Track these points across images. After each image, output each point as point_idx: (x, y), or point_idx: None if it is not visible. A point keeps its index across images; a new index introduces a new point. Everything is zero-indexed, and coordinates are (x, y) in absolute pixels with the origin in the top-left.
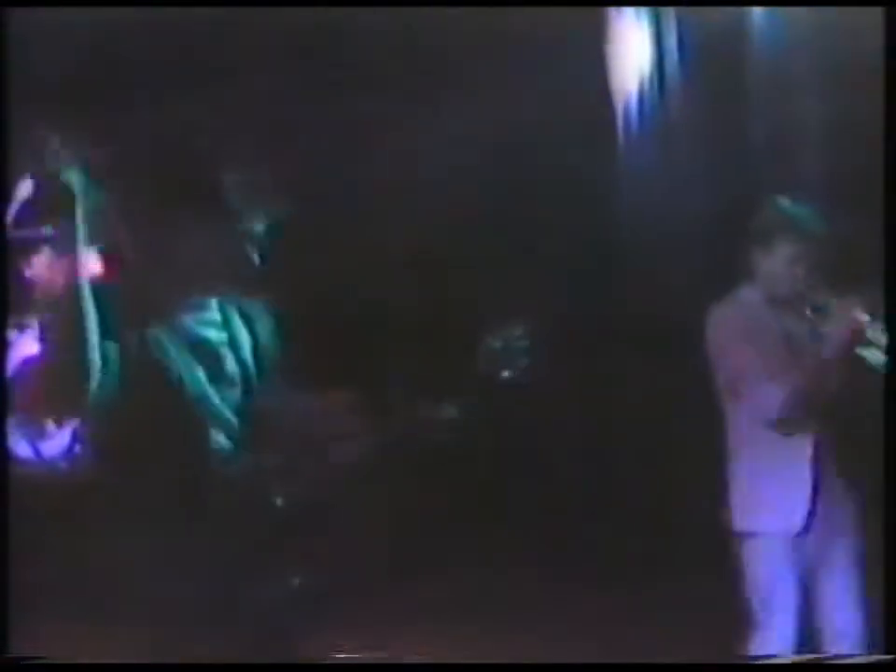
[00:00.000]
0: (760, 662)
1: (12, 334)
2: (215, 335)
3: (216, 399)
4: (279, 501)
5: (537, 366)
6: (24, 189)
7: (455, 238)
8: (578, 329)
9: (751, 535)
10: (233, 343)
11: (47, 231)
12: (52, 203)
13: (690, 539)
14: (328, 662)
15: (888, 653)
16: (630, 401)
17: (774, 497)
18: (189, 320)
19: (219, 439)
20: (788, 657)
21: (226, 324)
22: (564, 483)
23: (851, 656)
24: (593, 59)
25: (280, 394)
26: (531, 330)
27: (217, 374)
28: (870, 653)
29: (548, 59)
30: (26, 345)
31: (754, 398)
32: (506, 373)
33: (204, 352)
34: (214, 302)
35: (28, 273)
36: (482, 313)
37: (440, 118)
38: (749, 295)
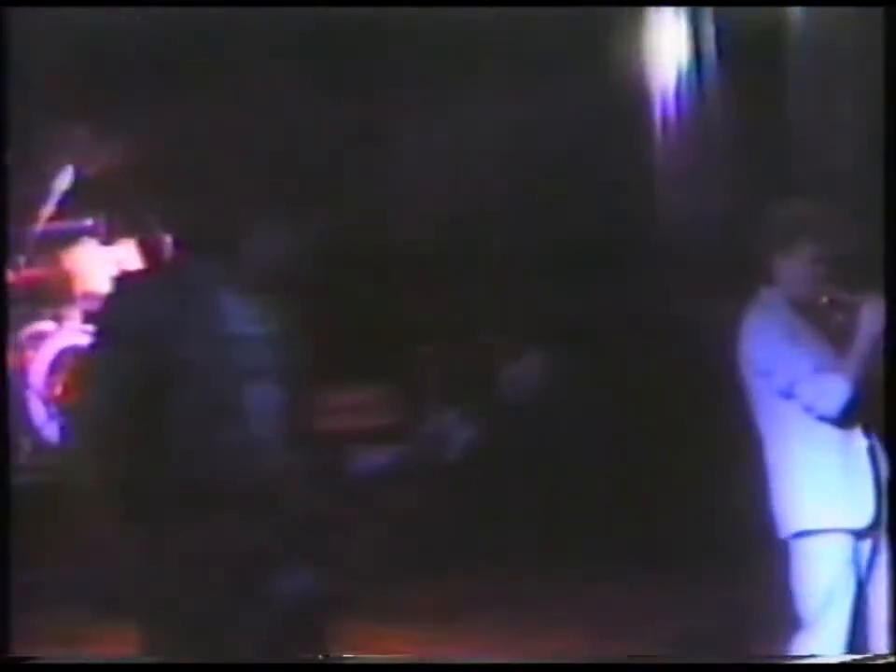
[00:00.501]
0: (760, 661)
1: (50, 325)
2: (258, 329)
3: (248, 393)
4: (304, 499)
5: (561, 373)
6: (63, 181)
7: (482, 242)
8: (606, 334)
9: (810, 533)
10: (264, 339)
11: (86, 223)
12: (91, 195)
13: (738, 540)
14: (329, 662)
15: (888, 653)
16: (665, 406)
17: (836, 494)
18: (235, 311)
19: (250, 433)
20: (790, 657)
21: (268, 320)
22: (600, 486)
23: (851, 656)
24: (629, 56)
25: (307, 391)
26: (556, 337)
27: (259, 367)
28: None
29: (586, 56)
30: (64, 336)
31: (810, 397)
32: (529, 391)
33: (249, 344)
34: (245, 297)
35: (67, 264)
36: (504, 319)
37: (477, 112)
38: (772, 298)
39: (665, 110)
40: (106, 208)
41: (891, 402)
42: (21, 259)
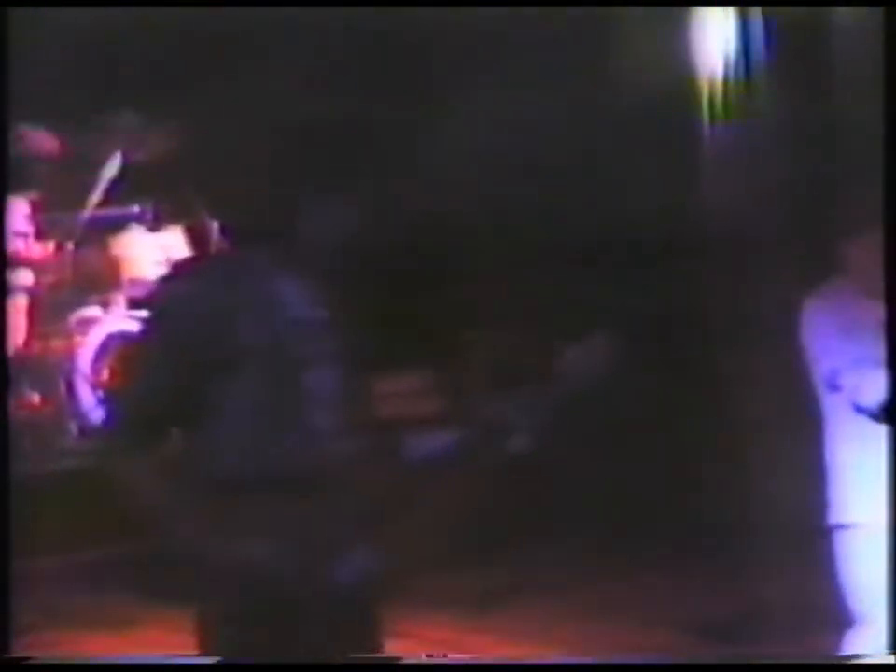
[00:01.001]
0: (760, 661)
1: (98, 311)
2: (314, 313)
3: (301, 379)
4: (363, 484)
5: (620, 364)
6: (111, 168)
7: (538, 228)
8: (664, 327)
9: (854, 526)
10: (322, 325)
11: (134, 209)
12: (139, 181)
13: (780, 534)
14: (330, 662)
15: (888, 653)
16: (718, 398)
17: (880, 487)
18: (289, 296)
19: (304, 418)
20: (793, 657)
21: (323, 304)
22: (649, 478)
23: (851, 656)
24: (673, 53)
25: (362, 377)
26: (614, 331)
27: (315, 352)
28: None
29: (629, 53)
30: (112, 322)
31: (851, 388)
32: (587, 377)
33: (304, 329)
34: (314, 281)
35: (115, 251)
36: (562, 310)
37: (525, 107)
38: (840, 286)
39: (717, 102)
40: (154, 195)
41: (891, 402)
42: (70, 246)
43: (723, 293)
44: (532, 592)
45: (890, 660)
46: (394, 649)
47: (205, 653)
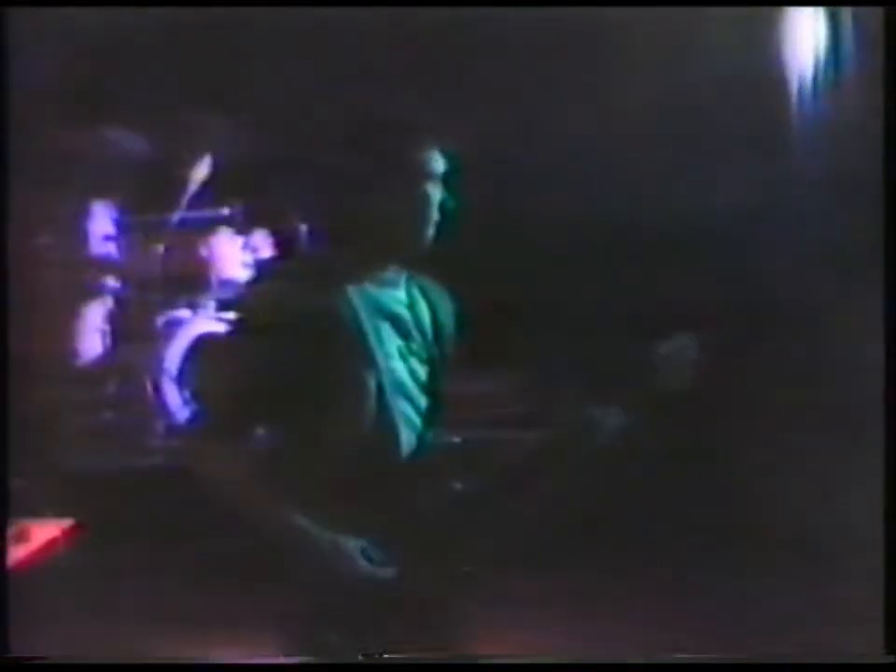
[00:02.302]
0: (760, 661)
1: (186, 312)
2: (403, 312)
3: (406, 374)
4: (459, 484)
5: (707, 370)
6: (201, 170)
7: (634, 232)
8: (752, 332)
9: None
10: (419, 323)
11: (222, 211)
12: (228, 183)
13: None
14: (331, 662)
15: (888, 653)
16: (817, 397)
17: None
18: (379, 295)
19: (408, 415)
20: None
21: (412, 303)
22: (736, 486)
23: (851, 656)
24: (763, 52)
25: (456, 377)
26: (702, 335)
27: (406, 350)
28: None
29: (719, 52)
30: (200, 323)
31: None
32: (675, 381)
33: (395, 327)
34: (402, 279)
35: (203, 252)
36: (653, 313)
37: (610, 103)
38: None
39: (806, 104)
40: (243, 197)
41: (891, 402)
42: (159, 248)
43: (814, 291)
44: (626, 594)
45: (890, 660)
46: (479, 650)
47: (290, 653)
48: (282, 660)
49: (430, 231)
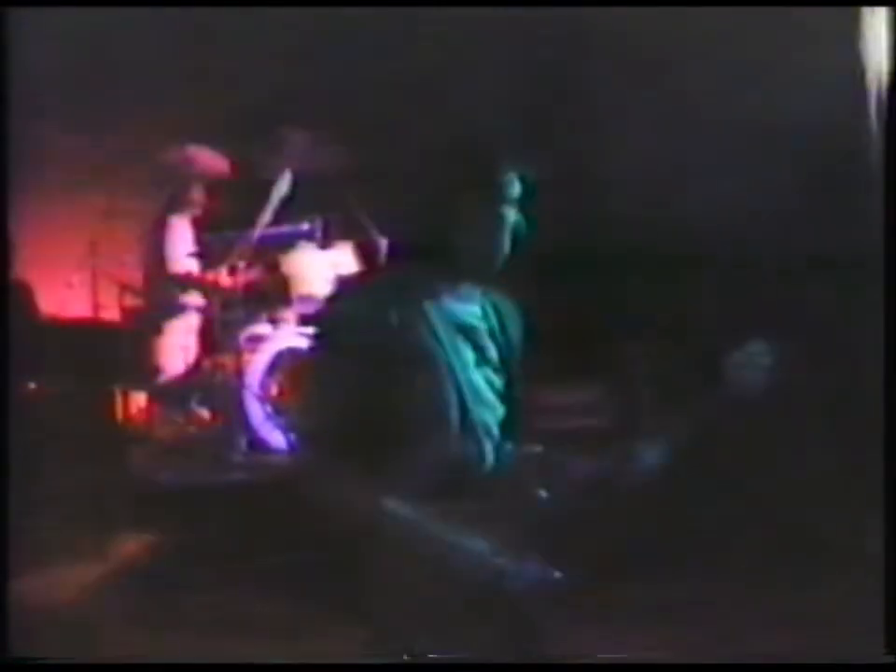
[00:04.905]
0: (760, 661)
1: (267, 328)
2: (478, 324)
3: (483, 385)
4: (543, 493)
5: (780, 379)
6: (281, 186)
7: (707, 240)
8: (825, 341)
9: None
10: (493, 335)
11: (303, 226)
12: (308, 198)
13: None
14: (330, 662)
15: (888, 653)
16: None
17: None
18: (455, 308)
19: (486, 424)
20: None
21: (486, 316)
22: (810, 495)
23: (851, 656)
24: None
25: (528, 388)
26: (775, 343)
27: (481, 361)
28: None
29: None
30: (281, 338)
31: None
32: (748, 388)
33: (470, 339)
34: (477, 294)
35: (284, 268)
36: (725, 320)
37: (688, 107)
38: None
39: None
40: (323, 212)
41: (891, 402)
42: (241, 264)
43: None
44: (701, 606)
45: (890, 660)
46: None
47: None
48: (282, 660)
49: (505, 251)
